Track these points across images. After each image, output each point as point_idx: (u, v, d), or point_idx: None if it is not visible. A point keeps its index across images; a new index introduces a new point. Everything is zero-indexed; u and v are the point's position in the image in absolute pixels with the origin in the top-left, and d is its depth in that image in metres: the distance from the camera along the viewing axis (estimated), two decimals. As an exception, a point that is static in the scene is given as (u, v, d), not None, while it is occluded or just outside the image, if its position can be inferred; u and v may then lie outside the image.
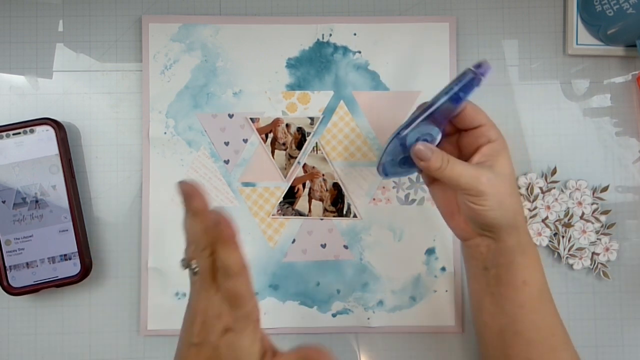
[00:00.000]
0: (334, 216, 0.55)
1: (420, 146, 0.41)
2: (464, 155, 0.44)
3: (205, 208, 0.34)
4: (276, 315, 0.54)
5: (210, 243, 0.33)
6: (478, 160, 0.42)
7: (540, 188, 0.55)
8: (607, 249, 0.55)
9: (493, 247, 0.43)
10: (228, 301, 0.33)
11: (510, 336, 0.44)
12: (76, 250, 0.52)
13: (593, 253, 0.55)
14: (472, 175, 0.40)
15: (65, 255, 0.52)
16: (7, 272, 0.51)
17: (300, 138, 0.55)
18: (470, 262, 0.45)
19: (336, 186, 0.55)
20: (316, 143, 0.55)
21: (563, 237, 0.55)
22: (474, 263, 0.45)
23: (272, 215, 0.55)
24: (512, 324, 0.43)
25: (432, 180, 0.46)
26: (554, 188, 0.55)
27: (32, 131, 0.52)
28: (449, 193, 0.45)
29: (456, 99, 0.40)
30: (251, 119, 0.55)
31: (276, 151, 0.55)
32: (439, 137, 0.42)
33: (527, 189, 0.55)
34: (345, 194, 0.55)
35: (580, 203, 0.55)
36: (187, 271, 0.35)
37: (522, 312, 0.43)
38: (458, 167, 0.40)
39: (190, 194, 0.34)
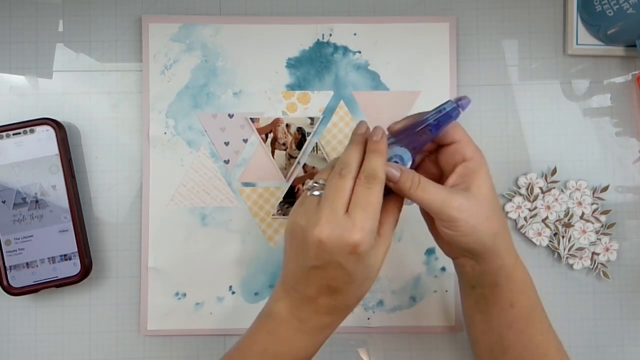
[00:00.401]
0: (334, 216, 0.55)
1: (390, 169, 0.39)
2: (444, 174, 0.42)
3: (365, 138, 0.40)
4: (276, 315, 0.54)
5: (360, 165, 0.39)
6: (454, 182, 0.40)
7: (540, 188, 0.55)
8: (607, 249, 0.55)
9: (477, 268, 0.41)
10: (362, 209, 0.37)
11: (499, 354, 0.43)
12: (76, 250, 0.52)
13: (593, 253, 0.55)
14: (443, 200, 0.38)
15: (65, 255, 0.52)
16: (7, 272, 0.51)
17: (300, 138, 0.55)
18: (460, 279, 0.45)
19: (336, 186, 0.55)
20: (316, 143, 0.55)
21: (563, 237, 0.55)
22: (463, 280, 0.44)
23: (272, 215, 0.55)
24: (500, 342, 0.43)
25: None
26: (554, 188, 0.55)
27: (32, 131, 0.52)
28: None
29: (435, 126, 0.40)
30: (251, 119, 0.55)
31: (276, 151, 0.55)
32: (409, 163, 0.41)
33: (527, 189, 0.55)
34: (345, 194, 0.55)
35: (580, 203, 0.55)
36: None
37: (509, 332, 0.42)
38: (430, 190, 0.39)
39: (375, 131, 0.40)
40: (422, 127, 0.40)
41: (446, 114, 0.40)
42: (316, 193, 0.39)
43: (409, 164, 0.40)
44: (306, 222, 0.38)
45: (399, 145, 0.41)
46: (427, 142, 0.41)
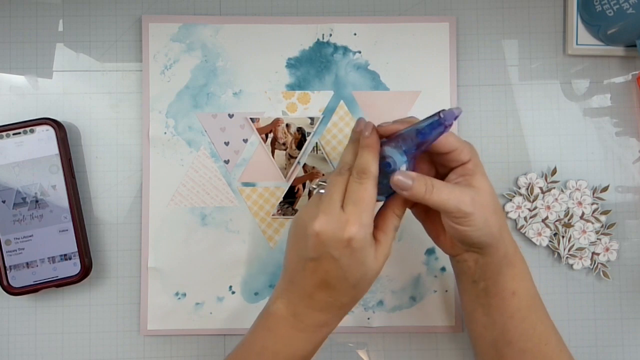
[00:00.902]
0: (334, 216, 0.55)
1: (398, 176, 0.39)
2: (438, 171, 0.43)
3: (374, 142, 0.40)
4: (276, 315, 0.54)
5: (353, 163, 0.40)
6: (454, 180, 0.41)
7: (540, 188, 0.55)
8: (607, 249, 0.55)
9: (481, 261, 0.42)
10: (354, 204, 0.38)
11: (502, 347, 0.44)
12: (76, 250, 0.52)
13: (593, 253, 0.55)
14: (458, 198, 0.39)
15: (65, 255, 0.52)
16: (7, 272, 0.51)
17: (300, 138, 0.55)
18: (460, 276, 0.45)
19: (336, 186, 0.55)
20: (316, 143, 0.55)
21: (563, 237, 0.55)
22: (463, 277, 0.45)
23: (272, 215, 0.55)
24: (503, 334, 0.43)
25: (413, 202, 0.43)
26: (554, 188, 0.55)
27: (32, 131, 0.52)
28: (432, 214, 0.44)
29: (422, 133, 0.39)
30: (251, 119, 0.55)
31: (276, 151, 0.55)
32: (403, 165, 0.40)
33: (527, 189, 0.55)
34: (345, 194, 0.55)
35: (580, 203, 0.55)
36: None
37: (512, 322, 0.43)
38: (444, 190, 0.39)
39: (366, 126, 0.41)
40: (409, 130, 0.40)
41: (433, 125, 0.39)
42: (322, 191, 0.41)
43: (403, 166, 0.40)
44: (306, 216, 0.39)
45: (392, 147, 0.41)
46: (418, 147, 0.40)
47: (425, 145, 0.39)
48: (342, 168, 0.41)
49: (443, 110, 0.38)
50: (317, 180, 0.41)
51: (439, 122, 0.38)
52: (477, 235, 0.40)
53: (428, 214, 0.44)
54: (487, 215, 0.39)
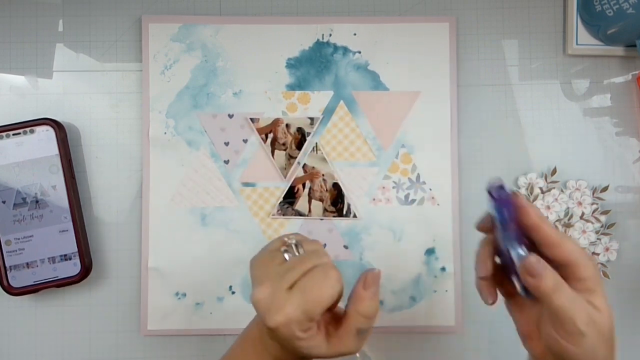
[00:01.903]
0: (334, 216, 0.55)
1: (533, 259, 0.34)
2: None
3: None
4: (276, 315, 0.54)
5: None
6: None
7: (540, 188, 0.55)
8: (607, 249, 0.55)
9: None
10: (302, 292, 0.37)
11: None
12: (76, 250, 0.52)
13: (593, 253, 0.55)
14: (578, 311, 0.33)
15: (65, 255, 0.52)
16: (7, 272, 0.51)
17: (300, 138, 0.55)
18: None
19: (336, 186, 0.55)
20: (316, 143, 0.55)
21: (563, 237, 0.55)
22: None
23: (272, 215, 0.55)
24: None
25: (512, 293, 0.38)
26: (554, 188, 0.55)
27: (32, 131, 0.52)
28: (528, 311, 0.38)
29: (498, 219, 0.36)
30: (251, 119, 0.55)
31: (276, 151, 0.55)
32: (517, 259, 0.36)
33: (527, 189, 0.55)
34: (345, 194, 0.55)
35: (580, 203, 0.55)
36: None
37: None
38: (568, 295, 0.34)
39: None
40: (498, 232, 0.36)
41: (492, 207, 0.36)
42: (286, 255, 0.39)
43: (516, 260, 0.36)
44: (259, 269, 0.38)
45: (505, 244, 0.36)
46: (513, 232, 0.36)
47: (510, 227, 0.36)
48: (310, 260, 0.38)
49: (489, 191, 0.36)
50: (292, 237, 0.40)
51: (492, 200, 0.36)
52: None
53: (524, 310, 0.39)
54: (599, 343, 0.35)
